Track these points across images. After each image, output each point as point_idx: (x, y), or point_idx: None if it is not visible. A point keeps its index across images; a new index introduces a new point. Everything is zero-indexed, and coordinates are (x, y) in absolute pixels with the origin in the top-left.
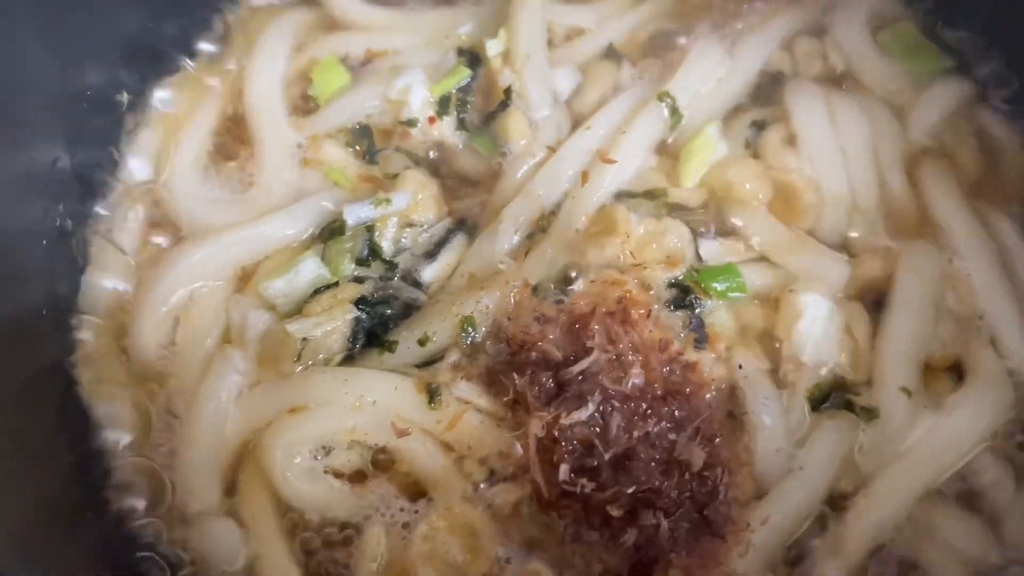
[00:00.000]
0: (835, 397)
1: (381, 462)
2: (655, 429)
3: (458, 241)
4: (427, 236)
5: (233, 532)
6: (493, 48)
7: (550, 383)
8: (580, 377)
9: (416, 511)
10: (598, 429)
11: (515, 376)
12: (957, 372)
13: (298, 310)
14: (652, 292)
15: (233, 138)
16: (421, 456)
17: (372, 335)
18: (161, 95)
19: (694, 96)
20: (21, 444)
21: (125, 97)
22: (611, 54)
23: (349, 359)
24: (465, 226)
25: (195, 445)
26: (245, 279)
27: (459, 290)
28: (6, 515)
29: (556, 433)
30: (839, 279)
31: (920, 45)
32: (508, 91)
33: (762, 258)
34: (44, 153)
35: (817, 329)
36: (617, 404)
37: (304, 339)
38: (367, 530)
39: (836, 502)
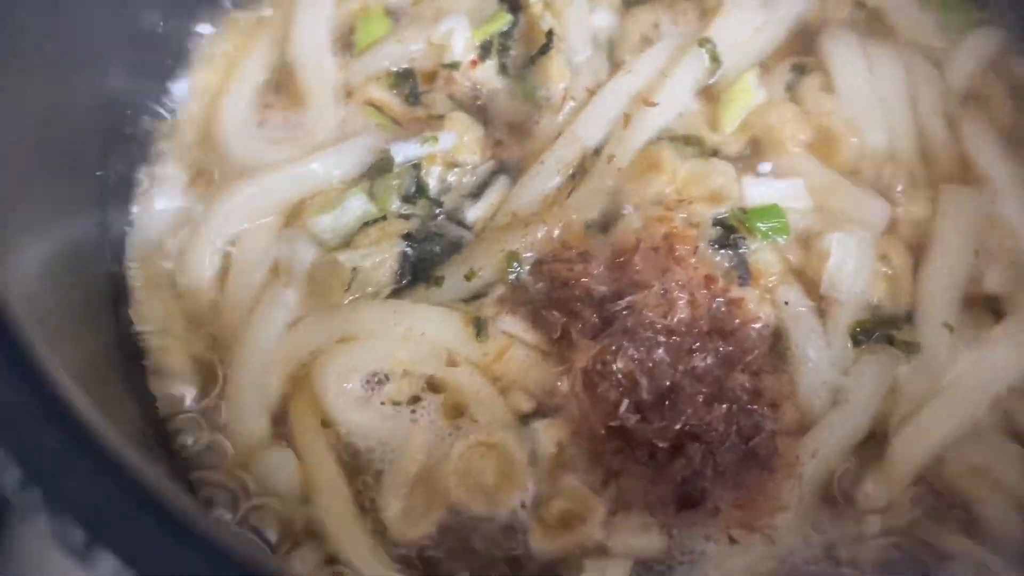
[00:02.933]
0: (878, 333)
1: (433, 389)
2: (701, 364)
3: (501, 183)
4: (472, 177)
5: (290, 461)
6: None
7: (594, 318)
8: (625, 312)
9: (459, 428)
10: (644, 363)
11: (557, 312)
12: (997, 311)
13: (346, 244)
14: (697, 229)
15: (281, 80)
16: (469, 386)
17: (419, 270)
18: (211, 33)
19: (733, 43)
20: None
21: (178, 32)
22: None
23: (397, 293)
24: (508, 168)
25: (245, 378)
26: (294, 216)
27: (504, 227)
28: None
29: (601, 367)
30: (879, 219)
31: None
32: (550, 34)
33: (805, 199)
34: (99, 85)
35: (848, 266)
36: (663, 339)
37: (354, 269)
38: (414, 436)
39: (880, 435)
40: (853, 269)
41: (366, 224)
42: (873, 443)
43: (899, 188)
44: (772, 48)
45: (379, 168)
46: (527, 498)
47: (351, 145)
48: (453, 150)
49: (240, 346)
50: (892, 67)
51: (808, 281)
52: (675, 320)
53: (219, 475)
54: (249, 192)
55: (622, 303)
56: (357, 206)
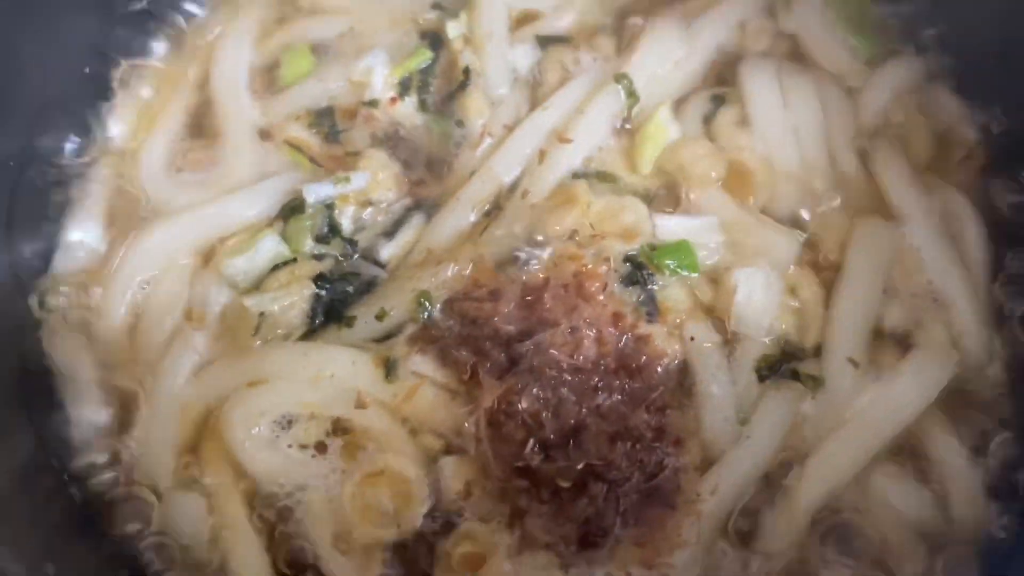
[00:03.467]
0: (783, 367)
1: (339, 432)
2: (606, 402)
3: (417, 220)
4: (387, 215)
5: (198, 505)
6: (454, 29)
7: (502, 357)
8: (531, 351)
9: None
10: (549, 402)
11: (466, 351)
12: (906, 343)
13: (257, 287)
14: (608, 266)
15: (201, 120)
16: (378, 428)
17: (332, 311)
18: (133, 74)
19: (651, 77)
20: None
21: (101, 73)
22: (569, 35)
23: (310, 334)
24: (424, 205)
25: (155, 422)
26: (208, 258)
27: (417, 265)
28: None
29: (506, 407)
30: (789, 254)
31: (872, 23)
32: (467, 71)
33: (716, 235)
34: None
35: (755, 301)
36: (569, 377)
37: (262, 313)
38: (310, 496)
39: (783, 469)
40: (759, 305)
41: (276, 267)
42: (776, 478)
43: (811, 221)
44: (692, 81)
45: (292, 209)
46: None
47: (265, 186)
48: (368, 188)
49: (150, 389)
50: (807, 99)
51: (717, 317)
52: (582, 358)
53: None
54: (163, 235)
55: (529, 342)
56: (269, 247)
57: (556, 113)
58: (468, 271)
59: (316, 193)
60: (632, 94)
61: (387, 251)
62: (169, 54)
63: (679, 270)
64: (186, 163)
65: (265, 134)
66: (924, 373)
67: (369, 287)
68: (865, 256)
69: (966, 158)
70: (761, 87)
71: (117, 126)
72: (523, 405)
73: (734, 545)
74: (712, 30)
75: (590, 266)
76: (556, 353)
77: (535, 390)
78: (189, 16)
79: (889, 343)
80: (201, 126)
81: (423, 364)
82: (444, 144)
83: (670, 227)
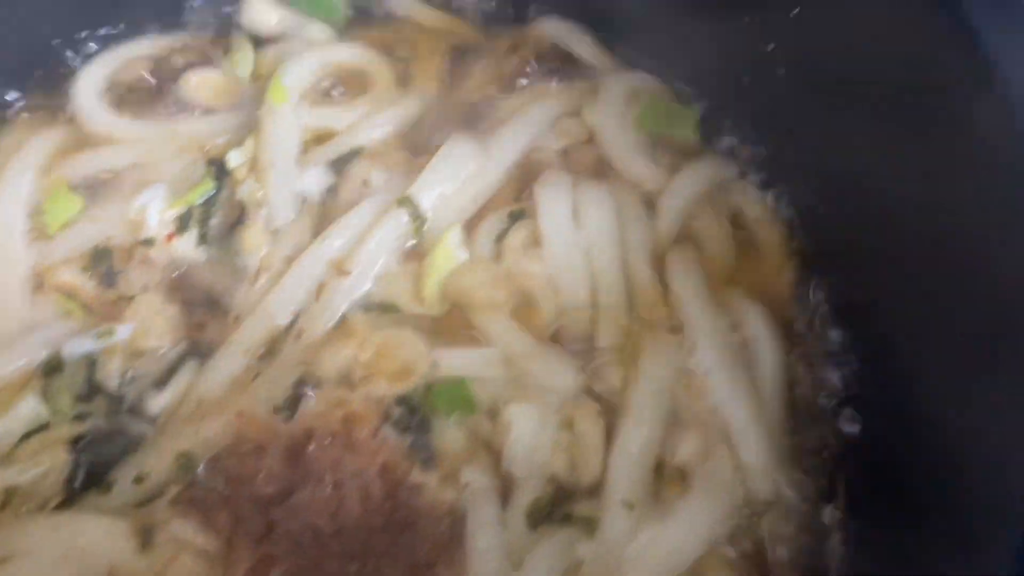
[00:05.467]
0: (557, 510)
1: None
2: (370, 565)
3: (190, 367)
4: (160, 363)
5: None
6: (235, 159)
7: (260, 521)
8: (289, 514)
9: None
10: (305, 571)
11: (224, 515)
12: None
13: (8, 456)
14: (380, 410)
15: None
16: None
17: (93, 474)
18: None
19: (440, 197)
20: None
21: None
22: (362, 155)
23: (69, 501)
24: (199, 350)
25: None
26: None
27: (184, 420)
28: None
29: None
30: (567, 387)
31: (672, 112)
32: (243, 203)
33: (501, 367)
34: None
35: (526, 441)
36: (327, 542)
37: (7, 488)
38: None
39: None
40: (529, 443)
41: (28, 434)
42: None
43: (599, 348)
44: (487, 197)
45: (51, 367)
46: None
47: (25, 342)
48: (136, 337)
49: None
50: (602, 212)
51: (496, 456)
52: (345, 518)
53: None
54: None
55: (287, 505)
56: (28, 409)
57: (337, 243)
58: (232, 425)
59: (76, 350)
60: (418, 217)
61: (157, 404)
62: None
63: (456, 410)
64: None
65: (37, 282)
66: (701, 514)
67: (136, 445)
68: (648, 386)
69: (768, 261)
70: (553, 202)
71: None
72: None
73: None
74: (511, 142)
75: (360, 412)
76: (315, 516)
77: (291, 558)
78: None
79: (675, 477)
80: None
81: (183, 529)
82: (227, 280)
83: (449, 362)
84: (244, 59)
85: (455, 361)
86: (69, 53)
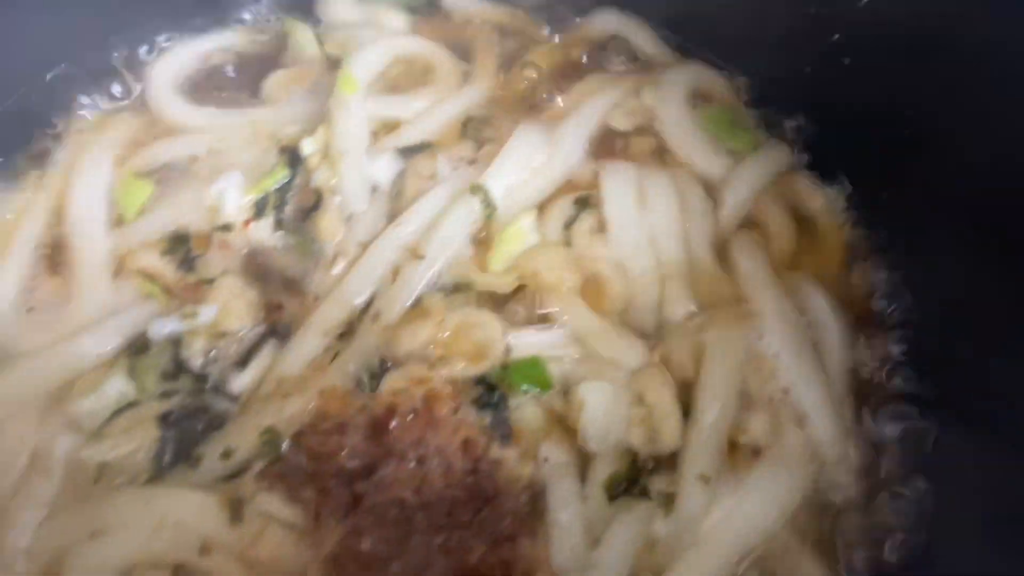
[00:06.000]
0: (634, 485)
1: None
2: (453, 537)
3: (270, 348)
4: (240, 344)
5: None
6: (309, 147)
7: (346, 496)
8: (375, 488)
9: None
10: (392, 543)
11: (310, 490)
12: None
13: (100, 431)
14: (459, 388)
15: (54, 254)
16: (223, 575)
17: (181, 450)
18: None
19: (509, 186)
20: None
21: None
22: (430, 144)
23: (158, 476)
24: (278, 331)
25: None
26: (58, 399)
27: (266, 399)
28: None
29: (348, 551)
30: (635, 363)
31: (737, 121)
32: (319, 190)
33: (572, 346)
34: None
35: (599, 417)
36: (413, 515)
37: (100, 463)
38: None
39: None
40: (603, 419)
41: (118, 411)
42: None
43: (667, 329)
44: (554, 186)
45: (137, 347)
46: None
47: (114, 323)
48: (218, 319)
49: None
50: (666, 199)
51: (572, 432)
52: (429, 492)
53: None
54: (9, 380)
55: (372, 479)
56: (116, 388)
57: (410, 228)
58: (314, 403)
59: (161, 330)
60: (489, 204)
61: (239, 383)
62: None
63: (531, 389)
64: (35, 301)
65: (118, 266)
66: (775, 487)
67: (219, 423)
68: (720, 366)
69: (828, 249)
70: (618, 191)
71: None
72: (365, 547)
73: None
74: (575, 133)
75: (439, 390)
76: (401, 490)
77: (378, 531)
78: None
79: (747, 454)
80: (54, 258)
81: (270, 503)
82: (303, 264)
83: (523, 341)
84: (307, 42)
85: (529, 339)
86: (143, 48)
